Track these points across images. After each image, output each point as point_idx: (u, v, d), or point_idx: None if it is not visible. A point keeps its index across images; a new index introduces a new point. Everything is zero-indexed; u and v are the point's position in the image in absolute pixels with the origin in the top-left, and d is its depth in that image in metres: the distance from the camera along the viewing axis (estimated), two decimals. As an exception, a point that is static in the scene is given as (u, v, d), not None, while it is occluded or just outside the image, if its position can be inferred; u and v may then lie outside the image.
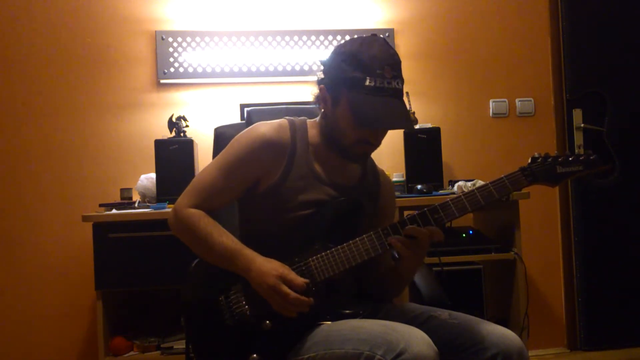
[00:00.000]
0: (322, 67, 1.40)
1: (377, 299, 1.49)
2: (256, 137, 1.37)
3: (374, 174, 1.53)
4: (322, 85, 1.38)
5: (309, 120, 1.47)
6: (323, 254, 1.30)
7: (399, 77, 1.32)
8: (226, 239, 1.31)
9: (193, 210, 1.35)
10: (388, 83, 1.30)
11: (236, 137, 1.41)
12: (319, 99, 1.40)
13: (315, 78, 1.42)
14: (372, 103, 1.28)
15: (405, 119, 1.33)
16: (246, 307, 1.29)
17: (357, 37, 1.36)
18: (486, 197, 1.28)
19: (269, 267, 1.25)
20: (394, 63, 1.32)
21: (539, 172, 1.27)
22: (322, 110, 1.40)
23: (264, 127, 1.39)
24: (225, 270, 1.32)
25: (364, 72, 1.29)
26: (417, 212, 1.30)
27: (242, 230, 1.49)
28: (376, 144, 1.38)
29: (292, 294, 1.22)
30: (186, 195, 1.39)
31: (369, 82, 1.28)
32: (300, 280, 1.24)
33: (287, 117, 1.45)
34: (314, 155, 1.42)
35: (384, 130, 1.37)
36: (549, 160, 1.27)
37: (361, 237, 1.30)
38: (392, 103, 1.31)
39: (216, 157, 1.42)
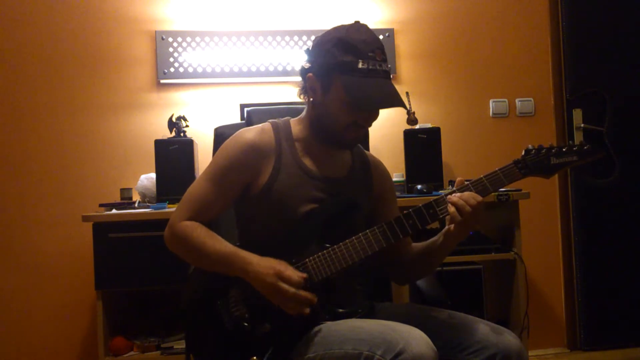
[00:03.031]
0: (306, 57, 1.40)
1: (384, 294, 1.50)
2: (241, 143, 1.38)
3: (363, 161, 1.53)
4: (310, 74, 1.38)
5: (292, 119, 1.48)
6: (320, 254, 1.30)
7: (387, 60, 1.35)
8: (220, 245, 1.32)
9: (186, 223, 1.36)
10: (380, 65, 1.32)
11: (222, 145, 1.42)
12: (306, 89, 1.41)
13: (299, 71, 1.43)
14: (367, 85, 1.30)
15: (399, 98, 1.34)
16: (245, 309, 1.30)
17: (340, 25, 1.37)
18: (481, 191, 1.27)
19: (265, 265, 1.26)
20: (382, 47, 1.35)
21: (532, 163, 1.27)
22: (311, 99, 1.40)
23: (247, 133, 1.40)
24: (224, 274, 1.32)
25: (356, 56, 1.30)
26: (412, 209, 1.30)
27: (240, 234, 1.49)
28: (367, 126, 1.39)
29: (291, 290, 1.22)
30: (179, 209, 1.39)
31: (362, 65, 1.30)
32: (296, 277, 1.24)
33: (270, 120, 1.46)
34: (301, 151, 1.42)
35: (375, 113, 1.38)
36: (543, 152, 1.27)
37: (357, 235, 1.30)
38: (385, 84, 1.33)
39: (205, 168, 1.43)
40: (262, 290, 1.26)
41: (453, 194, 1.26)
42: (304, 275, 1.26)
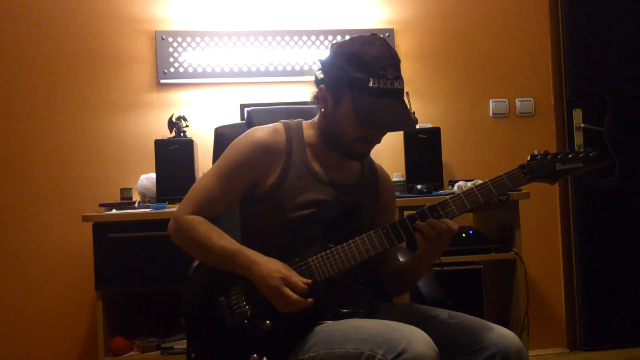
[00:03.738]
0: (320, 67, 1.40)
1: (385, 294, 1.51)
2: (252, 142, 1.39)
3: (372, 170, 1.54)
4: (322, 85, 1.38)
5: (304, 122, 1.48)
6: (323, 253, 1.30)
7: (400, 77, 1.33)
8: (225, 241, 1.32)
9: (192, 217, 1.36)
10: (391, 84, 1.31)
11: (232, 142, 1.42)
12: (318, 98, 1.41)
13: (314, 78, 1.43)
14: (377, 105, 1.29)
15: (408, 121, 1.35)
16: (247, 307, 1.30)
17: (357, 37, 1.36)
18: (485, 195, 1.28)
19: (271, 268, 1.26)
20: (395, 63, 1.33)
21: (538, 169, 1.28)
22: (322, 109, 1.40)
23: (259, 132, 1.40)
24: (226, 271, 1.32)
25: (367, 74, 1.29)
26: (416, 211, 1.30)
27: (243, 232, 1.49)
28: (376, 142, 1.39)
29: (294, 296, 1.23)
30: (185, 203, 1.40)
31: (373, 84, 1.29)
32: (302, 284, 1.24)
33: (282, 121, 1.46)
34: (311, 155, 1.42)
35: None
36: (548, 157, 1.28)
37: (361, 236, 1.31)
38: (395, 104, 1.32)
39: (214, 164, 1.43)
40: (265, 291, 1.26)
41: (422, 221, 1.28)
42: (309, 281, 1.26)
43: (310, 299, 1.24)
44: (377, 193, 1.53)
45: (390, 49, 1.34)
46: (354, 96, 1.31)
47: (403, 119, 1.33)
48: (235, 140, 1.42)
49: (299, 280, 1.25)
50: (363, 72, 1.30)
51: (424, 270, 1.46)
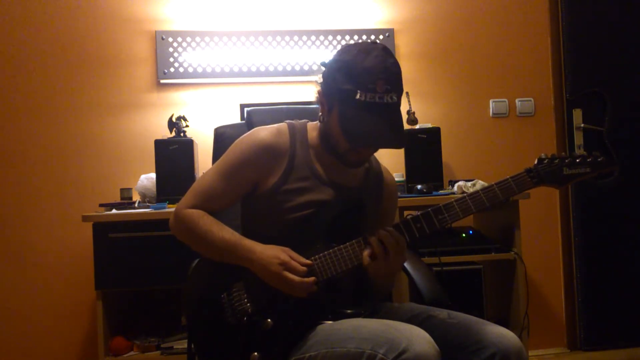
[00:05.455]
0: (322, 69, 1.40)
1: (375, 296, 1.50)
2: (255, 142, 1.39)
3: (377, 175, 1.53)
4: (320, 90, 1.38)
5: (309, 123, 1.48)
6: (325, 253, 1.30)
7: (393, 90, 1.28)
8: (225, 233, 1.33)
9: (192, 210, 1.37)
10: (380, 98, 1.27)
11: (236, 141, 1.43)
12: (317, 101, 1.41)
13: (315, 78, 1.43)
14: (361, 119, 1.27)
15: (394, 138, 1.30)
16: (248, 305, 1.30)
17: (357, 44, 1.34)
18: (491, 199, 1.26)
19: (269, 254, 1.27)
20: (389, 75, 1.28)
21: (545, 173, 1.26)
22: (320, 113, 1.41)
23: (264, 132, 1.40)
24: (227, 269, 1.33)
25: (355, 85, 1.27)
26: (420, 212, 1.29)
27: (244, 231, 1.49)
28: (368, 154, 1.39)
29: (297, 279, 1.24)
30: (186, 197, 1.41)
31: (359, 97, 1.26)
32: (301, 267, 1.26)
33: (287, 121, 1.46)
34: (314, 157, 1.42)
35: None
36: (556, 161, 1.25)
37: (364, 236, 1.30)
38: (381, 120, 1.27)
39: (216, 162, 1.43)
40: (267, 279, 1.27)
41: (377, 234, 1.25)
42: (309, 262, 1.28)
43: (312, 278, 1.26)
44: (380, 198, 1.52)
45: (386, 60, 1.28)
46: (341, 108, 1.30)
47: (387, 136, 1.28)
48: (239, 138, 1.43)
49: (298, 264, 1.26)
50: (351, 84, 1.27)
51: (382, 283, 1.40)
